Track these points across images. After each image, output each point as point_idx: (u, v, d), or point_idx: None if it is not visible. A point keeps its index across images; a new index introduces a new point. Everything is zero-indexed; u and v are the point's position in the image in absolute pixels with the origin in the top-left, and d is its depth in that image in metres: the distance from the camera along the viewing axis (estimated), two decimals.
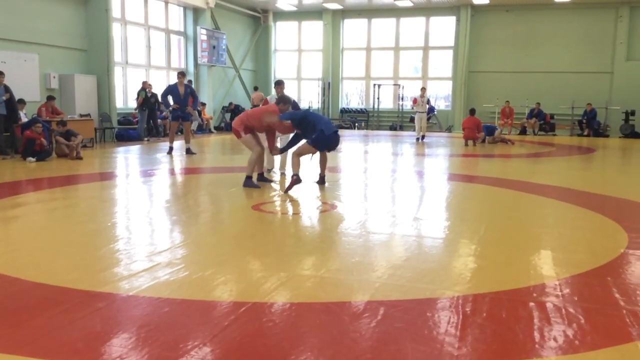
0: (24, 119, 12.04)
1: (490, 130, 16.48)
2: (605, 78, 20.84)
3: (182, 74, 12.29)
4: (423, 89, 17.54)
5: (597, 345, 2.94)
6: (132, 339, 2.95)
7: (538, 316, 3.30)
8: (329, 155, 8.33)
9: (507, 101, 20.61)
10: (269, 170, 9.15)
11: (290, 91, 23.68)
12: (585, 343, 2.97)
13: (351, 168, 10.60)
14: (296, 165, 7.78)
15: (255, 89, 20.33)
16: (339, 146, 8.37)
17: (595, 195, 7.69)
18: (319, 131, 7.70)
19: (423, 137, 17.01)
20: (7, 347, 2.83)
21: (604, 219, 6.15)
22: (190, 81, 16.71)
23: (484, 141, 16.10)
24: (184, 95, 12.03)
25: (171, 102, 12.00)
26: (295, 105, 8.38)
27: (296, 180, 7.60)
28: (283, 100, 7.99)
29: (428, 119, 17.54)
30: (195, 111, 12.24)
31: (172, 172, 9.98)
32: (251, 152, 8.02)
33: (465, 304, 3.48)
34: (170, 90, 12.09)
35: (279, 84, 9.24)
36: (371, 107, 23.47)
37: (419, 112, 16.98)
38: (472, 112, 16.20)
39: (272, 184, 8.22)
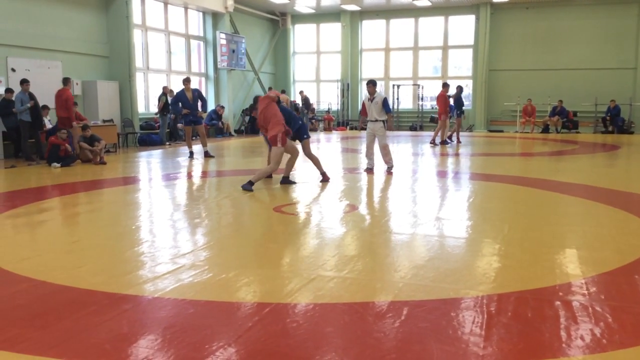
0: (48, 126, 12.25)
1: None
2: (629, 74, 20.50)
3: (187, 80, 12.49)
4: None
5: (625, 344, 2.90)
6: (158, 340, 2.98)
7: (564, 315, 3.27)
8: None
9: (529, 99, 20.41)
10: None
11: (309, 93, 23.76)
12: (613, 342, 2.93)
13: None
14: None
15: (283, 92, 20.57)
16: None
17: (620, 193, 7.58)
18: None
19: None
20: (36, 349, 2.88)
21: (630, 216, 6.06)
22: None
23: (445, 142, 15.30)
24: (193, 100, 12.25)
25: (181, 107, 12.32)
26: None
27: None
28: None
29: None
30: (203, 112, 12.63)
31: (193, 175, 10.07)
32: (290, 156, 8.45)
33: (490, 303, 3.46)
34: (179, 97, 12.33)
35: (369, 84, 9.82)
36: (391, 107, 23.36)
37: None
38: (443, 85, 15.64)
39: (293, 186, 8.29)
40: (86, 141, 11.42)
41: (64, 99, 12.15)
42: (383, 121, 9.70)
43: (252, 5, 21.34)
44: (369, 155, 9.98)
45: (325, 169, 8.76)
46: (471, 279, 3.97)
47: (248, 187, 7.76)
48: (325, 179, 8.57)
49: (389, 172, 9.64)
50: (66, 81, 12.36)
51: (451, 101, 15.63)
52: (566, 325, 3.13)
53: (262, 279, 4.05)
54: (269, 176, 8.63)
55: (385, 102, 9.71)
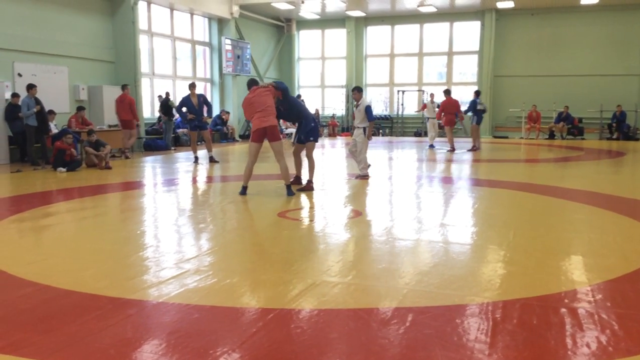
0: (54, 130, 12.30)
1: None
2: (634, 80, 20.47)
3: (193, 85, 12.49)
4: (432, 95, 17.61)
5: (631, 352, 2.88)
6: (162, 345, 2.98)
7: (570, 322, 3.25)
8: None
9: (534, 105, 20.38)
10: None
11: (313, 99, 23.79)
12: (619, 349, 2.91)
13: (376, 174, 10.55)
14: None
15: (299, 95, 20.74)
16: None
17: (625, 199, 7.55)
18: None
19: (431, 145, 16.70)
20: (40, 353, 2.87)
21: (635, 223, 6.03)
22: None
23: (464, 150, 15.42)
24: (198, 105, 12.26)
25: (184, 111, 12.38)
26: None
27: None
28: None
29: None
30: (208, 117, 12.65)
31: (198, 180, 10.08)
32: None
33: (495, 310, 3.44)
34: (184, 102, 12.34)
35: (354, 90, 9.79)
36: (395, 113, 23.40)
37: (430, 118, 17.11)
38: (448, 92, 15.81)
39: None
40: (92, 146, 11.45)
41: (127, 102, 13.44)
42: (364, 128, 9.53)
43: (257, 11, 21.41)
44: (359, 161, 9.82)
45: (315, 178, 8.56)
46: (476, 286, 3.95)
47: (291, 192, 7.82)
48: (308, 188, 8.25)
49: (360, 177, 9.51)
50: (124, 87, 13.73)
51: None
52: (572, 332, 3.11)
53: (266, 284, 4.04)
54: (297, 180, 8.49)
55: (367, 109, 9.48)
